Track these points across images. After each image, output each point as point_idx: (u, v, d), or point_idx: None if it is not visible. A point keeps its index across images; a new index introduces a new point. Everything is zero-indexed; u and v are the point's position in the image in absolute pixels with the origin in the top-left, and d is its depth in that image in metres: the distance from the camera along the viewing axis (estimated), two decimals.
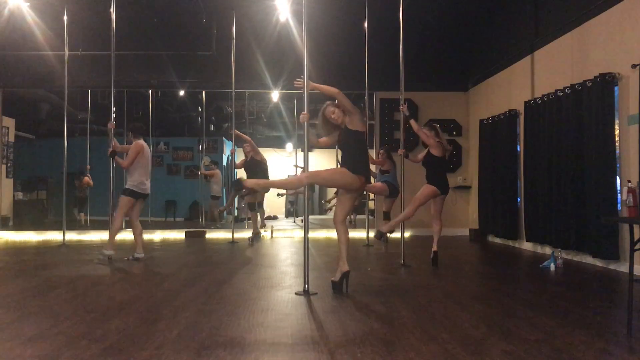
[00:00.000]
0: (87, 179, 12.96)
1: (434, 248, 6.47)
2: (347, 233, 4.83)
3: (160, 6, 10.18)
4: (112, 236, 6.84)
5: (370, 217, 10.20)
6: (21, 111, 13.18)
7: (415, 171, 7.63)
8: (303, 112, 4.81)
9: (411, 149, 10.06)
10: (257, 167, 9.04)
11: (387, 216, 8.72)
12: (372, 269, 6.33)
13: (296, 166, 13.44)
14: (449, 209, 6.91)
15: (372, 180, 8.28)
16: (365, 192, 8.80)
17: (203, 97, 12.86)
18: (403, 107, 6.71)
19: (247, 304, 4.26)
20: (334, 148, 5.11)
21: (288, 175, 3.88)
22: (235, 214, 12.87)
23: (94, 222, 12.88)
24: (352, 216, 12.58)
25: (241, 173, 10.22)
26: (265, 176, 9.05)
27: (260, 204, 9.81)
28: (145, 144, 6.91)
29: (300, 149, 13.09)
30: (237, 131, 9.50)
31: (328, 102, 4.73)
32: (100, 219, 12.69)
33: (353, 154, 4.74)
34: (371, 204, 11.51)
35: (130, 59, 10.89)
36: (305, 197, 5.03)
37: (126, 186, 6.77)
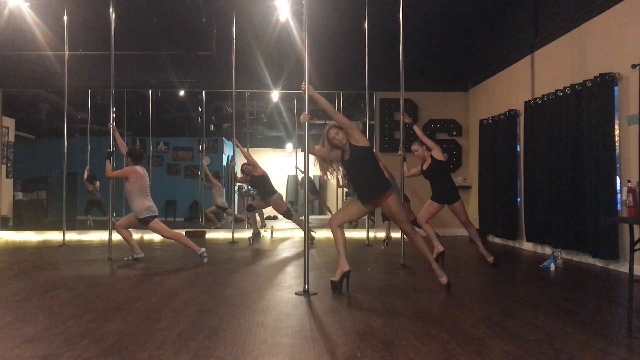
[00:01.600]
0: (97, 182, 12.93)
1: (441, 248, 6.35)
2: (344, 234, 4.83)
3: (160, 6, 10.16)
4: (188, 244, 6.87)
5: (370, 218, 10.18)
6: (21, 111, 13.16)
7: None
8: (304, 113, 4.81)
9: (411, 149, 10.02)
10: (261, 182, 9.07)
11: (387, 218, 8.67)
12: (372, 269, 6.33)
13: (297, 168, 13.44)
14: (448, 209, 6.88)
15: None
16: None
17: (203, 97, 12.84)
18: (404, 117, 6.69)
19: (247, 304, 4.27)
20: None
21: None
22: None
23: (96, 222, 12.85)
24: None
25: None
26: (271, 188, 9.07)
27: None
28: (140, 170, 6.83)
29: (300, 150, 13.10)
30: (237, 142, 9.37)
31: (330, 124, 4.69)
32: (101, 219, 12.71)
33: (365, 173, 4.73)
34: None
35: (130, 59, 10.89)
36: (306, 198, 5.03)
37: (142, 217, 6.74)
